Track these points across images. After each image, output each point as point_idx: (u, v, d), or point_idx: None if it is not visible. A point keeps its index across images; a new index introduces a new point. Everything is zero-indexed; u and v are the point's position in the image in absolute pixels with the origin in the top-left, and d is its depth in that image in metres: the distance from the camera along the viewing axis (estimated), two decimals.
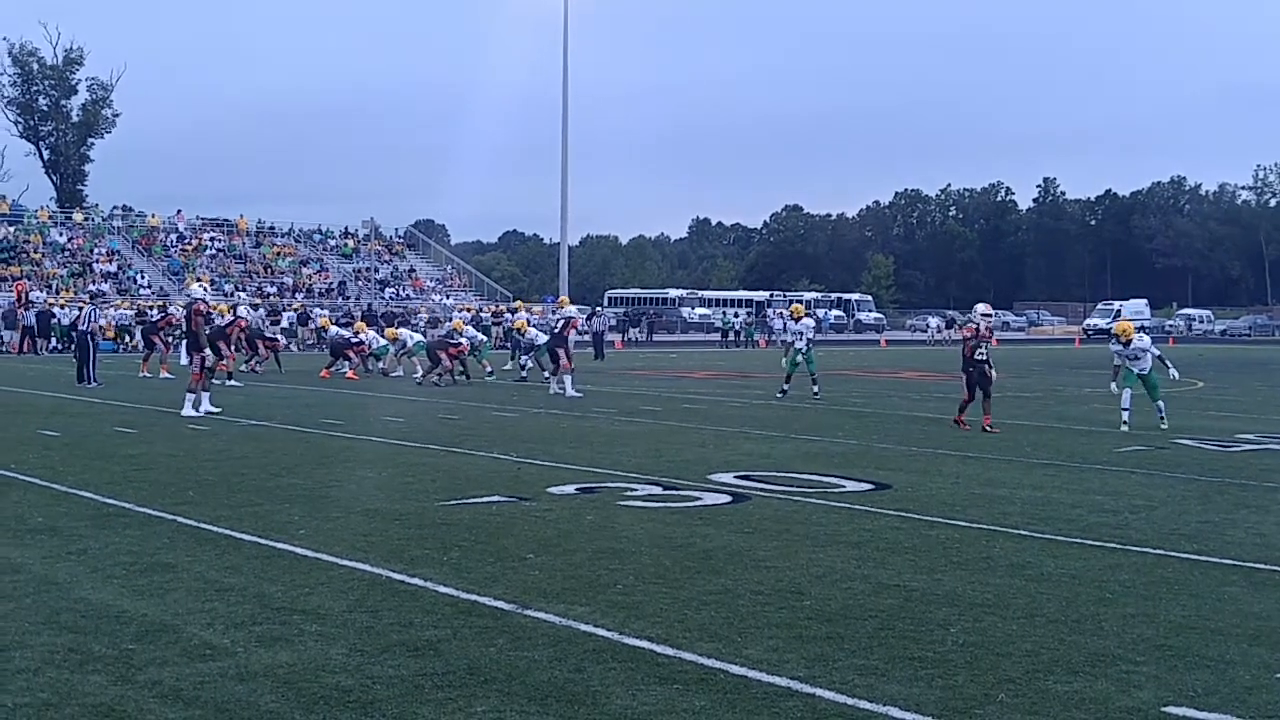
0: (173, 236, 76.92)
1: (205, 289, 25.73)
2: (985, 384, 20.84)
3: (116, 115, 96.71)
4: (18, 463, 15.35)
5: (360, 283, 77.66)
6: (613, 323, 71.89)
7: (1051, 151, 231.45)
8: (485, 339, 37.78)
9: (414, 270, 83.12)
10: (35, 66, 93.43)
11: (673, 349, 67.14)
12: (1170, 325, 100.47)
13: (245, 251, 77.68)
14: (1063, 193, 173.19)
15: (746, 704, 6.32)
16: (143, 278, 70.18)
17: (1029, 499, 13.18)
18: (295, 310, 61.07)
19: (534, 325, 36.42)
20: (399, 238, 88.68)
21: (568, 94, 72.19)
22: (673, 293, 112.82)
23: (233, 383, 29.87)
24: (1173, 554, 10.24)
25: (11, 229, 71.24)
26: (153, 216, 79.92)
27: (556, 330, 30.68)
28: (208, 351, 22.69)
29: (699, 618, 7.97)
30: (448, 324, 42.92)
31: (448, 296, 77.77)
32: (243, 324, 35.11)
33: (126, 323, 54.72)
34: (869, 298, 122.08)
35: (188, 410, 21.90)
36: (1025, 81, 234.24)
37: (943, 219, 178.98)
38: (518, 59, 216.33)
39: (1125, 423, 20.75)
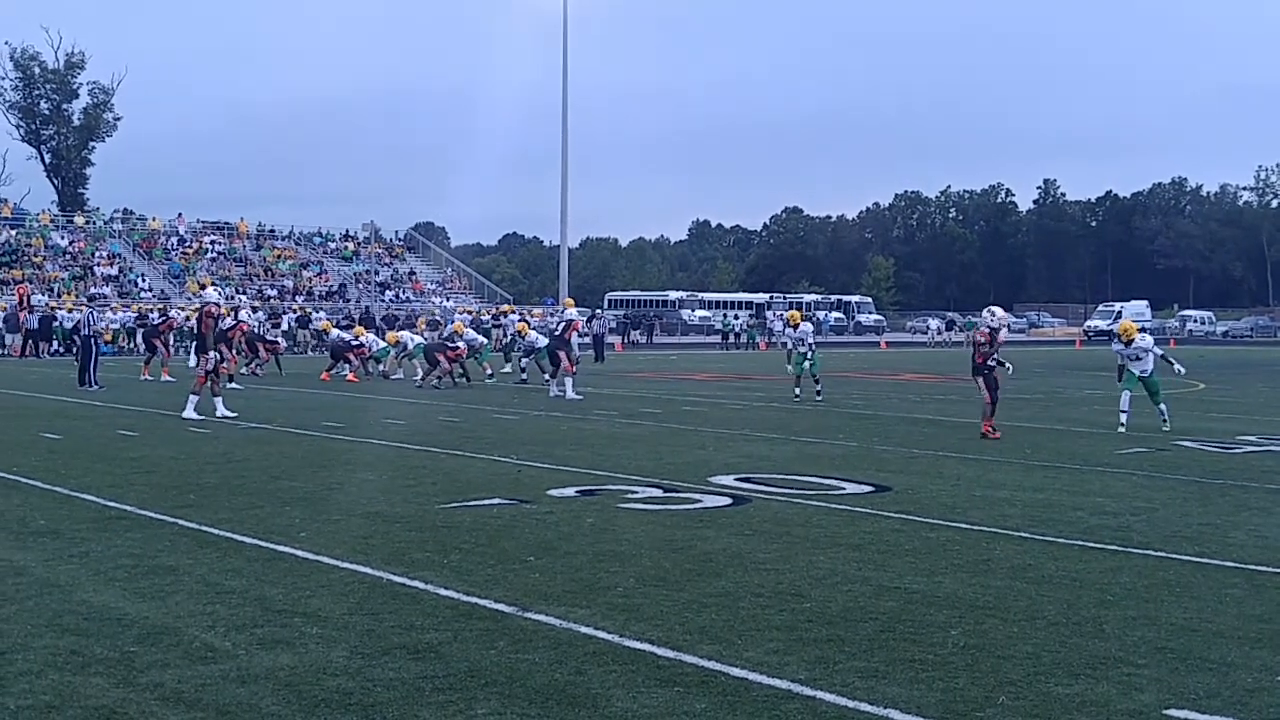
0: (173, 240, 77.01)
1: (218, 292, 25.78)
2: (995, 389, 20.27)
3: (118, 119, 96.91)
4: (20, 466, 15.35)
5: (360, 285, 77.69)
6: (613, 325, 71.88)
7: (1052, 153, 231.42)
8: (485, 341, 37.77)
9: (414, 273, 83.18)
10: (37, 70, 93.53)
11: (673, 351, 67.15)
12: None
13: (245, 254, 77.76)
14: (1063, 194, 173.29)
15: (747, 706, 6.32)
16: (144, 281, 70.23)
17: (1030, 501, 13.18)
18: (295, 312, 61.03)
19: (534, 328, 36.44)
20: (399, 240, 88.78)
21: (567, 96, 72.25)
22: (673, 295, 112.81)
23: (233, 385, 29.87)
24: (1174, 556, 10.24)
25: (13, 232, 71.31)
26: (154, 220, 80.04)
27: (557, 333, 30.71)
28: (213, 354, 22.71)
29: (699, 620, 7.97)
30: (448, 326, 42.92)
31: (448, 299, 77.79)
32: (244, 327, 35.12)
33: (130, 325, 54.67)
34: (869, 300, 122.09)
35: (189, 412, 21.91)
36: (1025, 83, 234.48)
37: (943, 221, 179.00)
38: (518, 62, 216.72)
39: (1123, 424, 20.76)
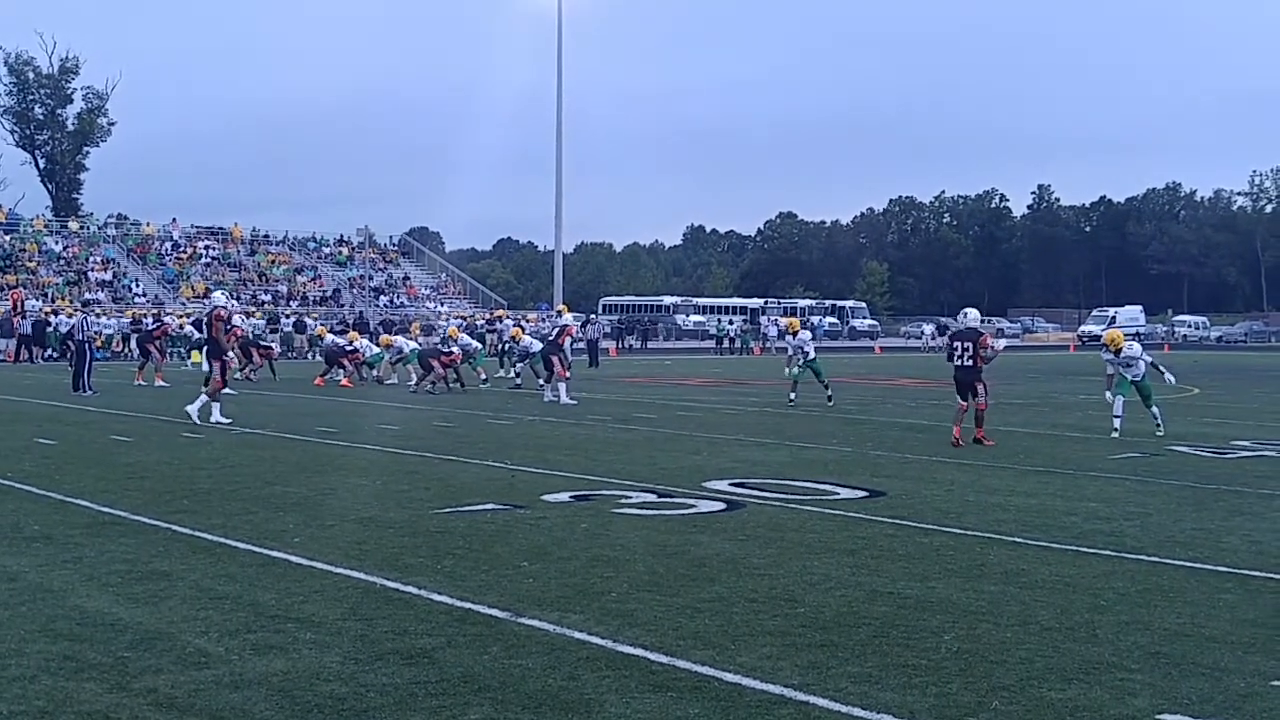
0: (168, 245, 77.02)
1: (227, 296, 25.79)
2: (972, 394, 19.61)
3: (112, 124, 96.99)
4: (13, 471, 15.34)
5: (355, 291, 77.68)
6: (607, 330, 71.89)
7: (1046, 158, 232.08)
8: (480, 346, 37.77)
9: (408, 278, 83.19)
10: (31, 75, 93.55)
11: (667, 356, 67.15)
12: (1152, 332, 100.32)
13: (240, 260, 77.77)
14: (1057, 199, 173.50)
15: (740, 712, 6.32)
16: (138, 286, 70.19)
17: (1023, 506, 13.19)
18: (289, 317, 61.02)
19: (529, 333, 36.45)
20: (393, 245, 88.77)
21: (562, 101, 72.33)
22: (667, 300, 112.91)
23: (227, 391, 29.81)
24: (1167, 561, 10.25)
25: (7, 238, 71.27)
26: (148, 225, 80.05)
27: (551, 338, 30.74)
28: (230, 357, 22.72)
29: (693, 625, 7.97)
30: (442, 331, 42.93)
31: (442, 304, 77.83)
32: (239, 332, 35.09)
33: (125, 331, 54.65)
34: (863, 305, 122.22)
35: (217, 416, 21.90)
36: (1019, 88, 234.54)
37: (937, 226, 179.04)
38: (513, 66, 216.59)
39: (1116, 429, 20.79)
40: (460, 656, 7.24)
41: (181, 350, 46.59)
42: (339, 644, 7.48)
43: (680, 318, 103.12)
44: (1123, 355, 21.20)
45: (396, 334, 41.78)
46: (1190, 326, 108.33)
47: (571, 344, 37.35)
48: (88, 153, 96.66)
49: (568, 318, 34.93)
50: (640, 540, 10.95)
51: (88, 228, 78.69)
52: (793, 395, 27.93)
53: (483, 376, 35.15)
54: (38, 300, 60.88)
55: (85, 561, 9.92)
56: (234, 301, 62.47)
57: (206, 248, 77.84)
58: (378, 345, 37.93)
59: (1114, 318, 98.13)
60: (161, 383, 33.62)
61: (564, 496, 13.53)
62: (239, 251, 78.89)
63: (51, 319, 52.75)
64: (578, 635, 7.71)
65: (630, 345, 75.86)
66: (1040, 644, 7.60)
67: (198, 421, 21.77)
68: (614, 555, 10.24)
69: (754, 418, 25.15)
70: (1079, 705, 6.44)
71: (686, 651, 7.35)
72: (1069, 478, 15.62)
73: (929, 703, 6.47)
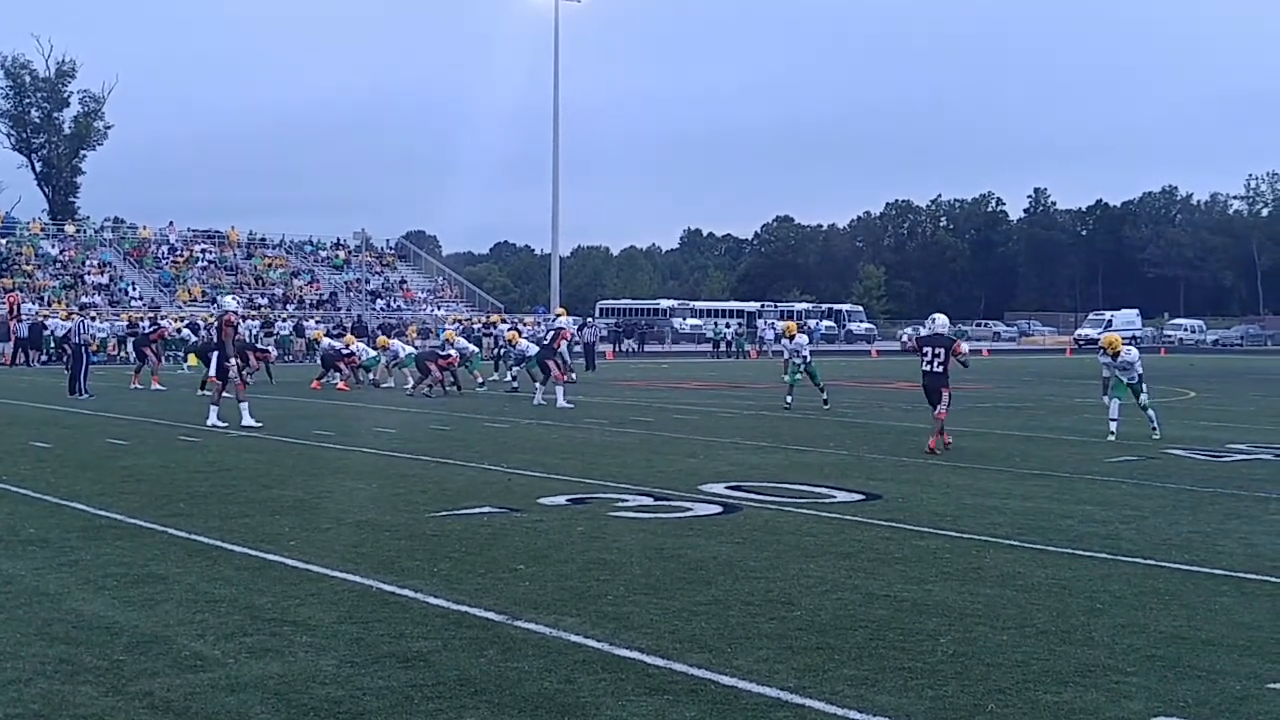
0: (164, 248, 77.02)
1: (237, 301, 25.80)
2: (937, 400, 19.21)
3: (108, 127, 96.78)
4: (10, 474, 15.34)
5: (351, 294, 77.67)
6: (604, 333, 71.89)
7: (1042, 162, 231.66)
8: (476, 350, 37.78)
9: (405, 281, 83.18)
10: (27, 79, 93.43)
11: (664, 359, 67.16)
12: (1143, 336, 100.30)
13: (236, 263, 77.75)
14: (1053, 203, 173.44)
15: (736, 715, 6.33)
16: (134, 289, 70.18)
17: (1019, 509, 13.20)
18: (285, 321, 60.98)
19: (525, 336, 36.46)
20: (390, 249, 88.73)
21: (559, 105, 72.26)
22: (664, 303, 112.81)
23: (226, 395, 29.79)
24: (1163, 564, 10.26)
25: (3, 241, 71.30)
26: (144, 228, 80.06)
27: (547, 341, 30.76)
28: (234, 361, 22.72)
29: (689, 628, 7.97)
30: (440, 335, 42.94)
31: (439, 308, 77.83)
32: (237, 336, 35.03)
33: (121, 334, 54.62)
34: (860, 308, 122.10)
35: (247, 420, 21.88)
36: (1016, 92, 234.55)
37: (933, 229, 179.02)
38: (509, 70, 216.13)
39: (1112, 433, 20.80)
40: (456, 660, 7.24)
41: (178, 354, 46.56)
42: (335, 647, 7.48)
43: (677, 321, 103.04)
44: (1120, 359, 21.19)
45: (394, 338, 41.77)
46: (1186, 330, 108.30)
47: (569, 347, 37.43)
48: (84, 156, 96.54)
49: (564, 321, 34.95)
50: (637, 543, 10.95)
51: (84, 231, 78.69)
52: (789, 399, 27.93)
53: (479, 380, 35.15)
54: (34, 304, 60.87)
55: (81, 564, 9.92)
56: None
57: (203, 251, 77.84)
58: (375, 348, 37.93)
59: (1110, 321, 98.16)
60: (158, 386, 33.64)
61: (560, 500, 13.53)
62: (235, 255, 78.88)
63: (47, 323, 52.74)
64: (574, 638, 7.71)
65: (629, 349, 75.79)
66: (1036, 647, 7.60)
67: (255, 423, 21.78)
68: (610, 558, 10.24)
69: (750, 421, 25.16)
70: (1075, 708, 6.44)
71: (683, 654, 7.35)
72: (1065, 481, 15.63)
73: (925, 705, 6.47)
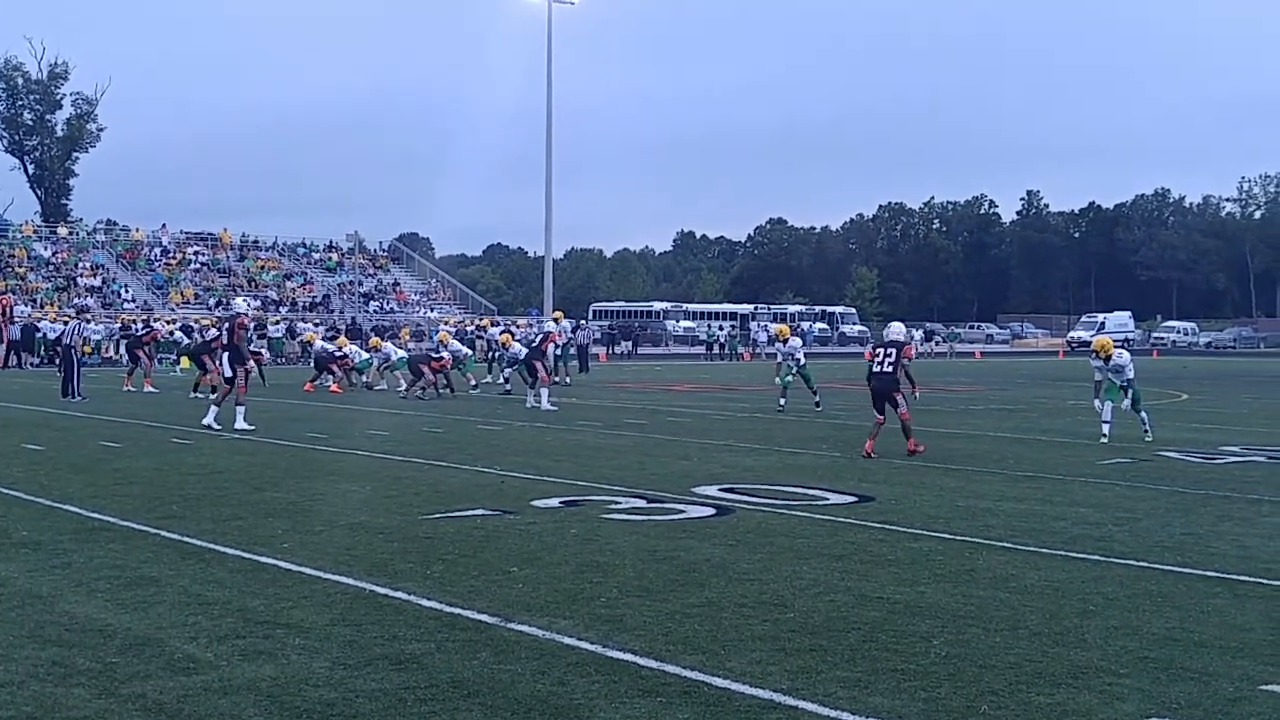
0: (157, 250, 76.89)
1: (247, 303, 25.77)
2: (892, 405, 18.75)
3: (101, 129, 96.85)
4: (2, 477, 15.31)
5: (344, 296, 77.62)
6: (597, 336, 71.85)
7: (1034, 164, 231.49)
8: (470, 353, 37.75)
9: (398, 284, 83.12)
10: (20, 81, 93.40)
11: (657, 362, 67.15)
12: (1134, 338, 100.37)
13: (229, 265, 77.64)
14: (1046, 205, 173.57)
15: (730, 716, 6.33)
16: (127, 291, 70.10)
17: (1012, 511, 13.21)
18: (277, 324, 60.91)
19: (518, 339, 36.45)
20: (383, 251, 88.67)
21: (552, 108, 72.10)
22: (657, 306, 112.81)
23: (215, 396, 29.78)
24: (1156, 566, 10.27)
25: None
26: (137, 230, 80.00)
27: (535, 344, 30.81)
28: (251, 364, 22.70)
29: (682, 630, 7.98)
30: (434, 337, 42.95)
31: (432, 310, 77.77)
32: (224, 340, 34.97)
33: (116, 337, 54.52)
34: (853, 310, 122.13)
35: (241, 423, 21.82)
36: (1008, 94, 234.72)
37: (926, 232, 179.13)
38: (503, 73, 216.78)
39: (1105, 435, 20.81)
40: (449, 662, 7.24)
41: (170, 356, 46.46)
42: (328, 650, 7.48)
43: (670, 324, 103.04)
44: (1112, 363, 21.20)
45: (386, 340, 41.74)
46: (1179, 332, 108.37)
47: (564, 350, 37.45)
48: (77, 158, 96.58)
49: (551, 324, 34.93)
50: (630, 545, 10.95)
51: (77, 233, 78.54)
52: (782, 401, 27.94)
53: (472, 382, 35.13)
54: (27, 306, 60.78)
55: (74, 567, 9.91)
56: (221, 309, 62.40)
57: (196, 253, 77.73)
58: (368, 349, 37.89)
59: (1103, 323, 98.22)
60: (150, 389, 33.60)
61: (554, 502, 13.53)
62: (228, 257, 78.78)
63: (40, 325, 52.66)
64: (567, 640, 7.71)
65: (624, 351, 75.75)
66: (1029, 649, 7.61)
67: (249, 426, 21.69)
68: (603, 561, 10.24)
69: (744, 423, 25.17)
70: (1068, 710, 6.45)
71: (676, 656, 7.36)
72: (1058, 483, 15.64)
73: (918, 707, 6.48)
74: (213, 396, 22.74)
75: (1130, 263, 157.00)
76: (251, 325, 25.32)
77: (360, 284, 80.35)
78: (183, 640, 7.69)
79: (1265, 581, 9.71)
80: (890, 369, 18.69)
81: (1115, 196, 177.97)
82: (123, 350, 45.79)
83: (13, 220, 79.66)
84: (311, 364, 39.24)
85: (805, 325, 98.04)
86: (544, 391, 28.43)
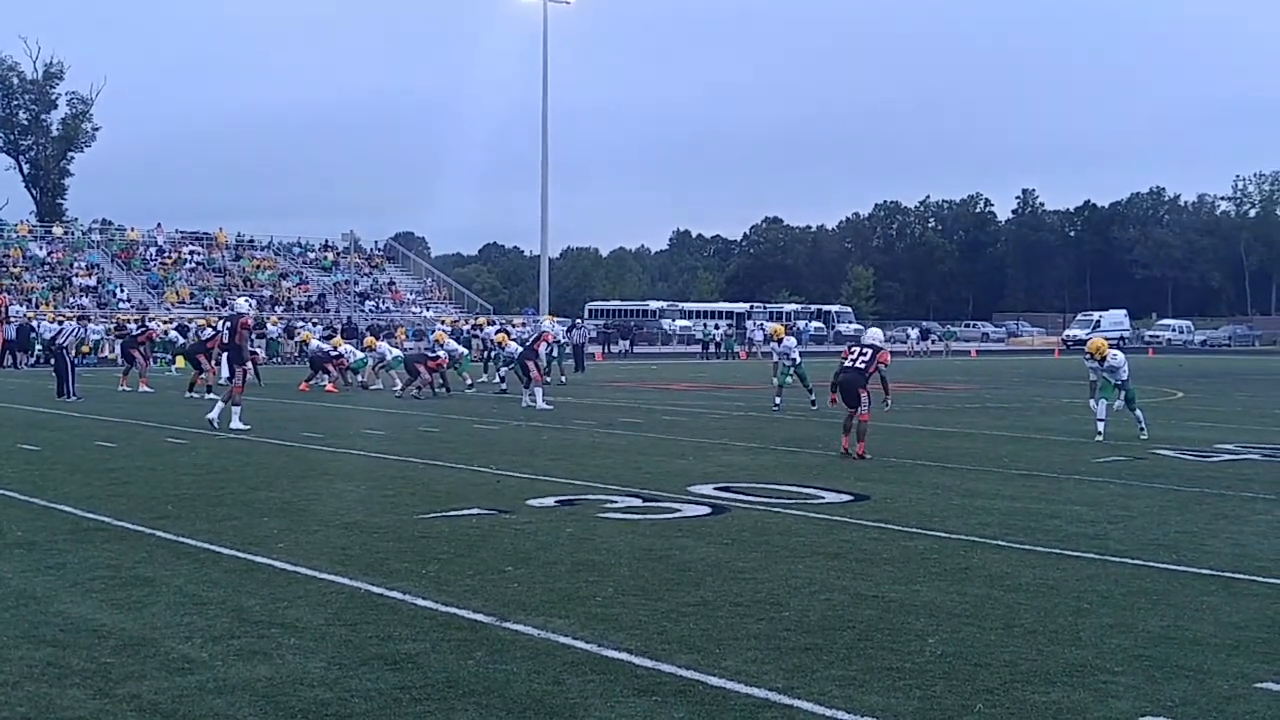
0: (152, 250, 76.83)
1: (250, 303, 25.74)
2: (855, 402, 18.41)
3: (96, 129, 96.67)
4: None
5: (340, 296, 77.58)
6: (593, 335, 71.84)
7: (1030, 163, 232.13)
8: (466, 352, 37.75)
9: (394, 283, 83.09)
10: (15, 81, 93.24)
11: (653, 361, 67.14)
12: (1129, 337, 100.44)
13: (225, 265, 77.58)
14: (1041, 204, 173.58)
15: (725, 715, 6.34)
16: (122, 291, 70.05)
17: (1007, 509, 13.22)
18: (275, 324, 60.88)
19: (514, 338, 36.47)
20: (379, 250, 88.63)
21: (547, 107, 72.25)
22: (653, 304, 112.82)
23: (211, 396, 29.76)
24: (1151, 564, 10.28)
25: None
26: (132, 230, 79.85)
27: (528, 343, 30.83)
28: (249, 365, 22.67)
29: (678, 629, 7.98)
30: (429, 336, 42.93)
31: (427, 309, 77.75)
32: (221, 340, 34.93)
33: (110, 336, 54.49)
34: (849, 309, 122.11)
35: (236, 424, 21.77)
36: (1004, 93, 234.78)
37: (922, 230, 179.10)
38: (498, 72, 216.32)
39: (1100, 433, 20.83)
40: (445, 661, 7.24)
41: (165, 356, 46.44)
42: (323, 649, 7.48)
43: (666, 322, 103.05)
44: (1106, 364, 21.20)
45: (382, 339, 41.72)
46: (1174, 330, 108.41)
47: (559, 349, 37.46)
48: (72, 158, 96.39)
49: (545, 323, 34.92)
50: (625, 545, 10.95)
51: (72, 233, 78.46)
52: (778, 400, 27.94)
53: (468, 382, 35.12)
54: (22, 306, 60.73)
55: (69, 567, 9.90)
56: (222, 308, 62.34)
57: (191, 253, 77.66)
58: (363, 349, 37.89)
59: (1099, 322, 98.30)
60: (145, 388, 33.57)
61: (549, 501, 13.53)
62: (224, 257, 78.71)
63: (35, 325, 52.61)
64: (562, 640, 7.71)
65: (620, 350, 75.75)
66: (1024, 647, 7.62)
67: (244, 426, 21.64)
68: (599, 560, 10.25)
69: (739, 422, 25.17)
70: (1062, 708, 6.46)
71: (671, 656, 7.36)
72: (1053, 481, 15.66)
73: (913, 706, 6.49)
74: (210, 395, 22.64)
75: (1125, 261, 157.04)
76: (253, 324, 25.27)
77: (356, 283, 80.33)
78: (178, 640, 7.69)
79: (1260, 579, 9.72)
80: (862, 366, 18.39)
81: (1110, 195, 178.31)
82: (118, 350, 45.73)
83: (8, 220, 79.47)
84: (307, 364, 39.25)
85: (801, 324, 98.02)
86: (538, 391, 28.44)
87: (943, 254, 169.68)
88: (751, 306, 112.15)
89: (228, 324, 23.74)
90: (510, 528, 11.86)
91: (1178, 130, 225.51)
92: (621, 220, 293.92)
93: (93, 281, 70.17)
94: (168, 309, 65.56)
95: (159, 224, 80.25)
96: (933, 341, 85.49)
